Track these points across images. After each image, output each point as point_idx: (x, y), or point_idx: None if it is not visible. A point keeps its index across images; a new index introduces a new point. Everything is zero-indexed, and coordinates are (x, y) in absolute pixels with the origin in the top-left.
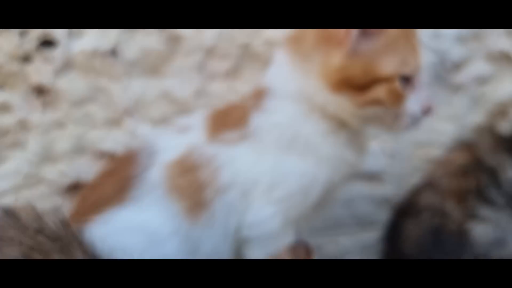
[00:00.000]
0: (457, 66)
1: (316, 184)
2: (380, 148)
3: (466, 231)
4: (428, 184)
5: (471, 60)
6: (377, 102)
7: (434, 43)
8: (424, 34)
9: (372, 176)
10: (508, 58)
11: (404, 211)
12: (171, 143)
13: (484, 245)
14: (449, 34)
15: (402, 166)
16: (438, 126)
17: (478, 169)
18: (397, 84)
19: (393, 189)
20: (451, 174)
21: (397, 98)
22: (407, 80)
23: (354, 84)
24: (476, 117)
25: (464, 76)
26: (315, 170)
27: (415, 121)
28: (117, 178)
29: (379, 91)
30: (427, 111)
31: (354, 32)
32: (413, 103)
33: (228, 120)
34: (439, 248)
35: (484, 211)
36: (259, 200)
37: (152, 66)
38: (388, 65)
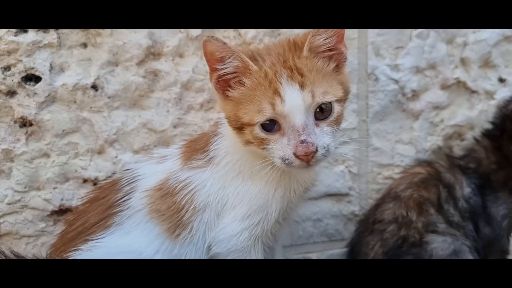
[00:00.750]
0: (416, 94)
1: (271, 201)
2: (347, 170)
3: (427, 243)
4: (392, 197)
5: (428, 89)
6: (249, 142)
7: (394, 74)
8: (385, 66)
9: (340, 196)
10: (462, 86)
11: (369, 229)
12: (151, 171)
13: (441, 257)
14: (407, 66)
15: (367, 186)
16: (400, 149)
17: (438, 183)
18: (256, 130)
19: (360, 207)
20: (413, 185)
21: (260, 142)
22: (276, 123)
23: (233, 125)
24: (434, 141)
25: (422, 103)
26: (266, 189)
27: (290, 163)
28: (102, 205)
29: (248, 134)
30: (299, 155)
31: (215, 79)
32: (280, 146)
33: (196, 148)
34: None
35: (442, 225)
36: (226, 219)
37: (132, 99)
38: (245, 114)
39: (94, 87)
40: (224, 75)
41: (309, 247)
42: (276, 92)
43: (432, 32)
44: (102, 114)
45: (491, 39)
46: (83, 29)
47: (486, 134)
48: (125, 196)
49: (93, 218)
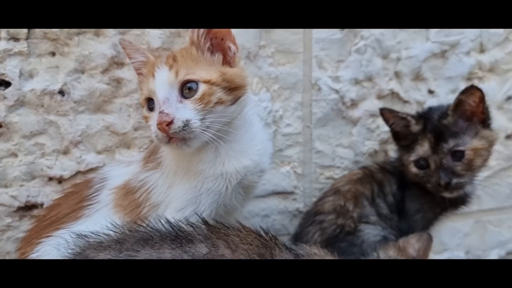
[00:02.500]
0: (355, 103)
1: (199, 194)
2: (292, 171)
3: (360, 230)
4: (333, 191)
5: (365, 98)
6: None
7: (335, 85)
8: (327, 78)
9: (286, 194)
10: (396, 96)
11: (310, 220)
12: (119, 173)
13: (372, 243)
14: (347, 77)
15: (311, 185)
16: (340, 152)
17: (372, 180)
18: (144, 111)
19: (304, 204)
20: (352, 182)
21: (146, 122)
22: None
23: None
24: (371, 145)
25: (360, 111)
26: (194, 184)
27: (157, 136)
28: (75, 199)
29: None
30: (157, 124)
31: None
32: (153, 122)
33: (153, 151)
34: (337, 248)
35: (374, 218)
36: (167, 212)
37: (96, 104)
38: (140, 99)
39: (61, 92)
40: (136, 70)
41: None
42: (152, 74)
43: (369, 48)
44: (68, 117)
45: (421, 55)
46: (52, 39)
47: None
48: (95, 192)
49: (66, 210)
